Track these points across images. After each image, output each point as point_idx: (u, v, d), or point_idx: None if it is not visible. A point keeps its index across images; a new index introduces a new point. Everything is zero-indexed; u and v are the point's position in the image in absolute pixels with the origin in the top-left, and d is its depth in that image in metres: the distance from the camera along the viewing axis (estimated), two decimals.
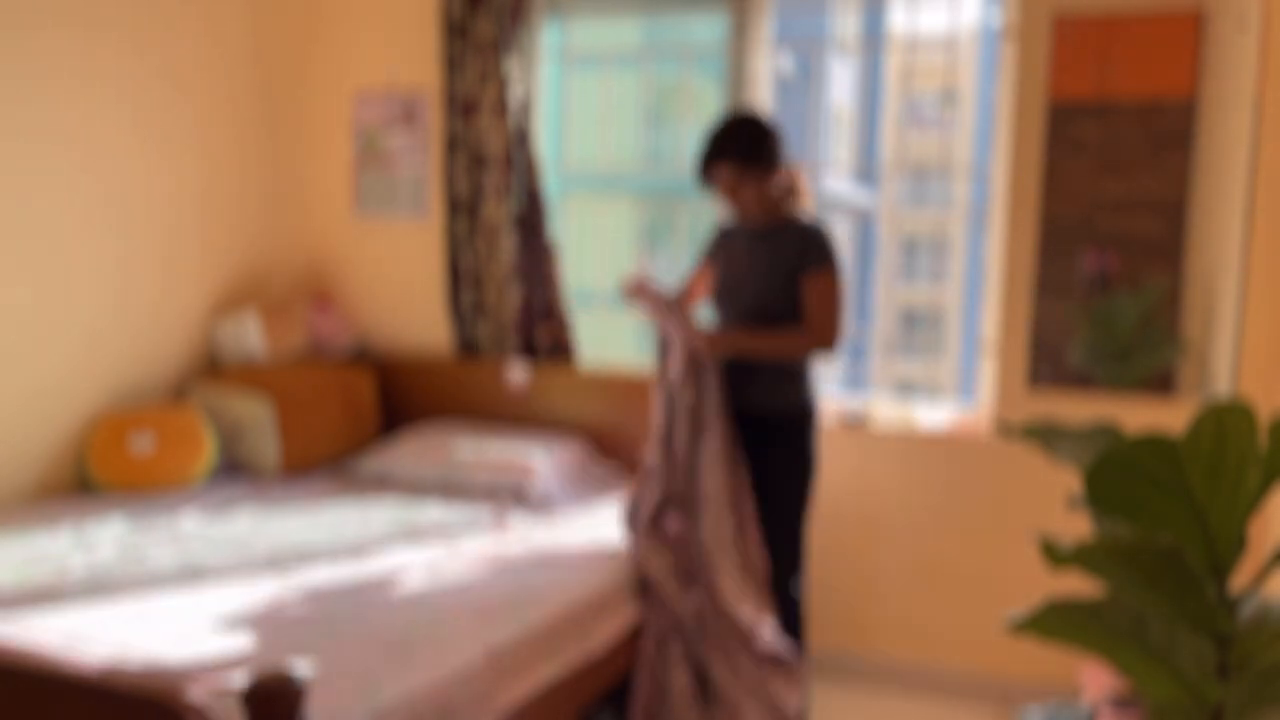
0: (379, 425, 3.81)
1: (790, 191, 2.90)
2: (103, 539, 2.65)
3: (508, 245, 3.66)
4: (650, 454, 2.88)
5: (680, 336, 2.82)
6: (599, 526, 3.01)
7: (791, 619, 2.86)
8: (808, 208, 2.93)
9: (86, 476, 3.14)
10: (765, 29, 3.53)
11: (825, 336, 2.74)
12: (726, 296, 2.90)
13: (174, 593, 2.29)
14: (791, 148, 2.91)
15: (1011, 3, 3.18)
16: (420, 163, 3.87)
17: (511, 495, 3.23)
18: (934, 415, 3.46)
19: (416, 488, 3.29)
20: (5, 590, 2.24)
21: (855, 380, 3.87)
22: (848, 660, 3.41)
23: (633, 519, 2.84)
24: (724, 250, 2.96)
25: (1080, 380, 3.15)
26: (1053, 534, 1.36)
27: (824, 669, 3.40)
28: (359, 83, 3.94)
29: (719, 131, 2.83)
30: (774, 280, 2.80)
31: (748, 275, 2.85)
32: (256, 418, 3.35)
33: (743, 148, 2.80)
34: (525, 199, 3.69)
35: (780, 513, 2.85)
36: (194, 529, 2.79)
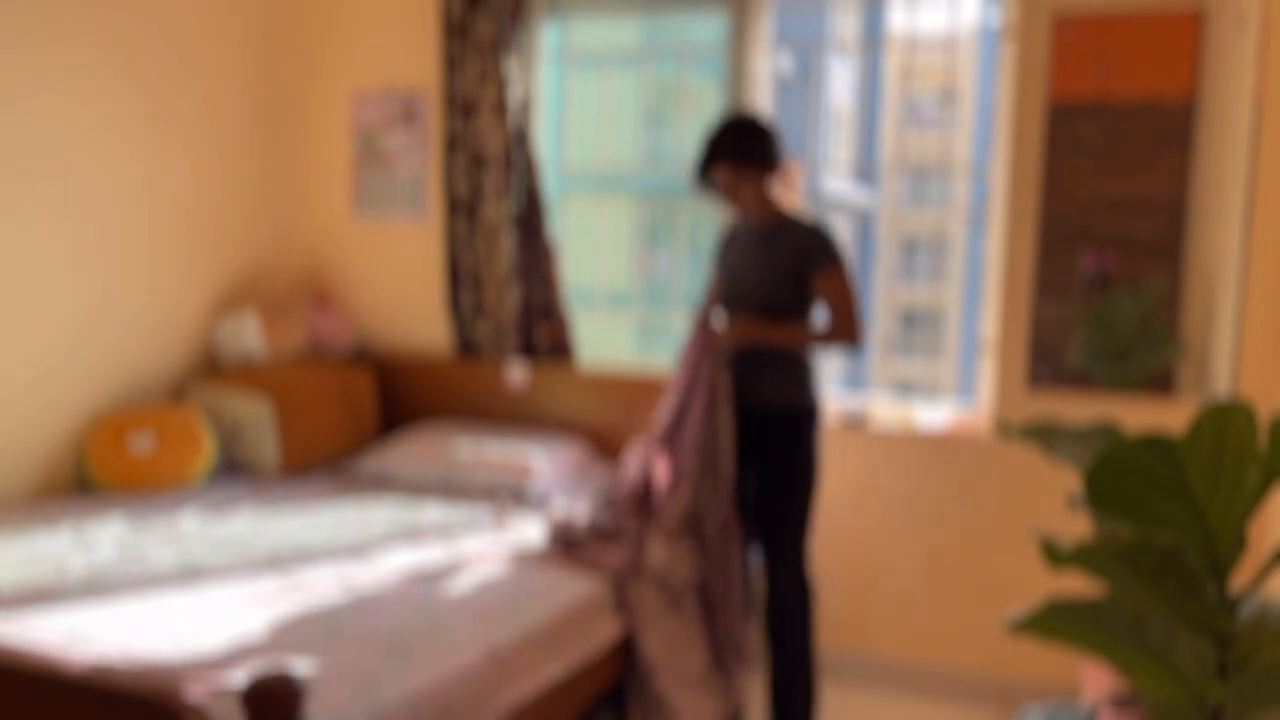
0: (379, 425, 3.81)
1: (782, 187, 2.93)
2: (102, 539, 2.65)
3: (507, 245, 3.66)
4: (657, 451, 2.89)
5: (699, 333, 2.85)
6: None
7: (800, 631, 2.86)
8: (793, 202, 2.95)
9: (86, 476, 3.14)
10: (765, 29, 3.54)
11: (851, 331, 2.78)
12: (732, 296, 2.90)
13: (174, 593, 2.29)
14: (788, 145, 2.92)
15: (1011, 3, 3.18)
16: (419, 162, 3.87)
17: (511, 495, 3.23)
18: (934, 415, 3.46)
19: (416, 488, 3.29)
20: (5, 590, 2.24)
21: (855, 380, 3.87)
22: (848, 660, 3.41)
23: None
24: (729, 251, 2.98)
25: (1080, 380, 3.15)
26: (1053, 534, 1.36)
27: (824, 669, 3.40)
28: (359, 83, 3.94)
29: (714, 133, 2.86)
30: (778, 280, 2.80)
31: (749, 274, 2.86)
32: (256, 418, 3.35)
33: (738, 147, 2.84)
34: (525, 199, 3.69)
35: (785, 515, 2.83)
36: (193, 529, 2.79)
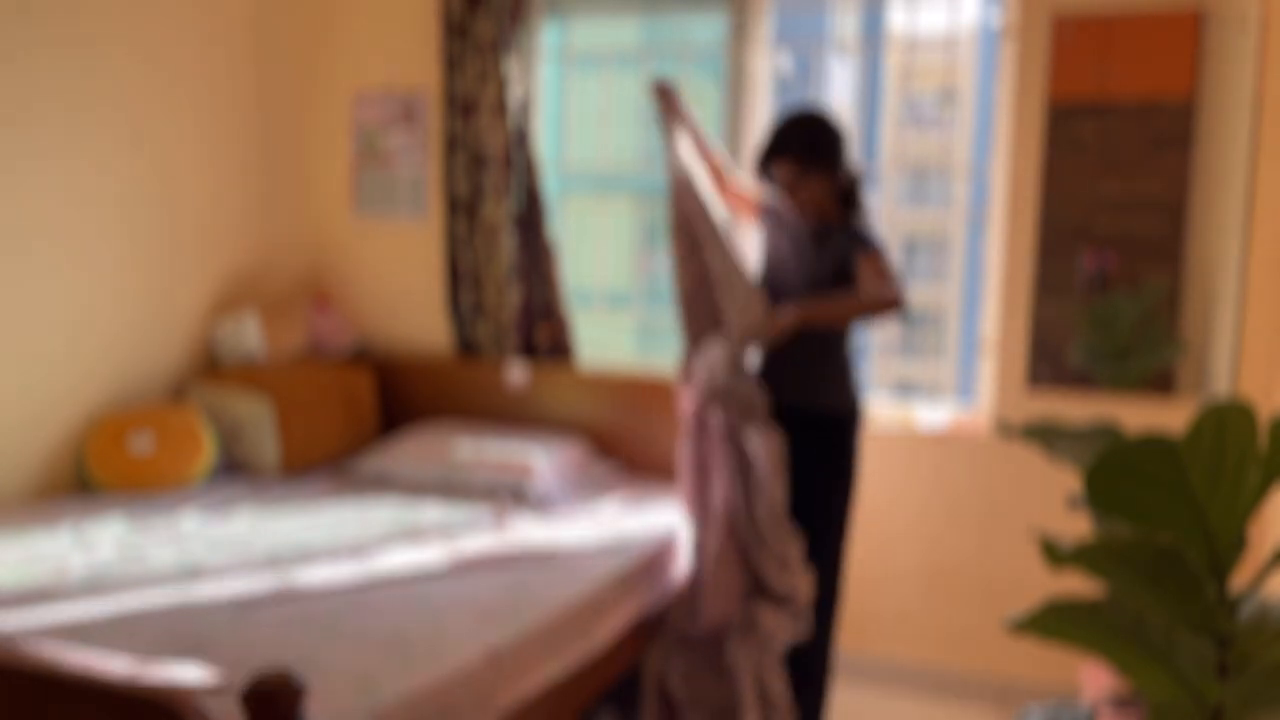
0: (379, 425, 3.81)
1: (849, 199, 2.79)
2: (102, 539, 2.65)
3: (507, 245, 3.66)
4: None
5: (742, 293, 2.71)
6: (599, 526, 3.01)
7: (823, 625, 2.84)
8: (864, 219, 2.81)
9: (86, 476, 3.14)
10: (764, 29, 3.54)
11: (888, 296, 2.61)
12: (774, 287, 2.84)
13: (174, 593, 2.29)
14: (855, 151, 2.76)
15: (1011, 3, 3.18)
16: (420, 163, 3.87)
17: (511, 495, 3.23)
18: (934, 415, 3.46)
19: (416, 488, 3.29)
20: (5, 590, 2.24)
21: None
22: (848, 660, 3.41)
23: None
24: (771, 226, 2.88)
25: (1080, 380, 3.15)
26: (1053, 534, 1.36)
27: None
28: (359, 83, 3.94)
29: (782, 126, 2.73)
30: (823, 285, 2.75)
31: (796, 275, 2.80)
32: (256, 418, 3.35)
33: (804, 146, 2.71)
34: (525, 199, 3.69)
35: (822, 515, 2.79)
36: (194, 529, 2.79)
